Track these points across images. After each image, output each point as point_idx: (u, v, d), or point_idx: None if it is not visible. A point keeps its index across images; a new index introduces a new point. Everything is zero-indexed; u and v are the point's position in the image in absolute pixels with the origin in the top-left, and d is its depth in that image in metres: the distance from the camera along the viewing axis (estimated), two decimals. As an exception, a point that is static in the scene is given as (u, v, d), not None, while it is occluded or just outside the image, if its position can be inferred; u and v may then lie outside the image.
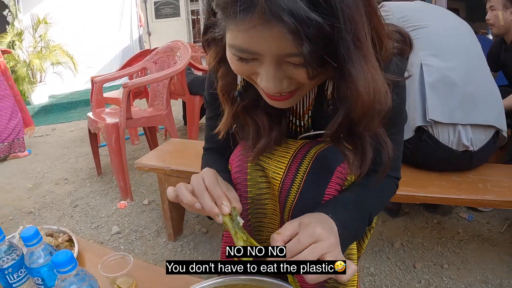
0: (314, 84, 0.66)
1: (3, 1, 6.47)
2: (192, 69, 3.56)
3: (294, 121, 0.84)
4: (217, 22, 0.62)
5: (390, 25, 0.73)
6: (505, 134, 1.56)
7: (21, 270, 0.76)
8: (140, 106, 3.12)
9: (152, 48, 7.83)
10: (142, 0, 8.95)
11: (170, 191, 0.73)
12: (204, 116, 3.50)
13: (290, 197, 0.79)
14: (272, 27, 0.52)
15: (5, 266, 0.74)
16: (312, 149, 0.80)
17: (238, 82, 0.73)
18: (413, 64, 1.51)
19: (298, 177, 0.79)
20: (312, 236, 0.62)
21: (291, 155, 0.81)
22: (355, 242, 0.83)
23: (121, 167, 2.24)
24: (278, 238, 0.63)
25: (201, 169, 0.85)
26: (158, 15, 9.78)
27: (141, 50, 3.91)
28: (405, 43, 0.78)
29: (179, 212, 1.85)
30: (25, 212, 2.33)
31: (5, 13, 6.55)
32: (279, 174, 0.80)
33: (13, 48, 6.30)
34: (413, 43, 0.79)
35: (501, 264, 1.58)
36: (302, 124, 0.83)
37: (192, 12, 11.14)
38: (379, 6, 1.42)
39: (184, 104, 3.69)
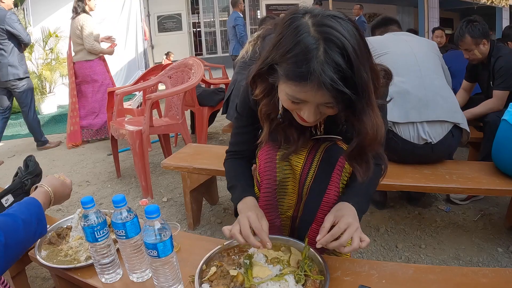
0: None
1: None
2: (200, 83, 3.91)
3: (312, 130, 1.22)
4: (273, 73, 0.93)
5: (378, 65, 1.01)
6: (464, 127, 1.90)
7: (105, 228, 1.07)
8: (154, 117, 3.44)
9: (155, 60, 8.12)
10: (146, 15, 9.28)
11: (227, 232, 1.05)
12: (211, 125, 3.81)
13: (308, 179, 1.18)
14: (320, 91, 0.84)
15: (95, 224, 1.04)
16: (321, 146, 1.18)
17: (280, 108, 1.06)
18: None
19: (313, 165, 1.17)
20: (346, 224, 0.99)
21: (307, 150, 1.19)
22: None
23: (143, 169, 2.53)
24: (326, 226, 1.00)
25: (227, 176, 1.31)
26: (161, 28, 10.14)
27: (154, 65, 4.23)
28: (387, 76, 1.14)
29: (198, 205, 2.17)
30: (54, 209, 2.56)
31: (15, 25, 6.80)
32: (299, 163, 1.18)
33: (23, 60, 6.59)
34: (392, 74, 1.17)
35: (472, 245, 1.86)
36: (318, 133, 1.21)
37: (193, 24, 11.47)
38: None
39: (192, 114, 4.00)
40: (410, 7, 13.13)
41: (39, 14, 7.41)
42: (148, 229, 0.94)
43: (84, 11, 4.37)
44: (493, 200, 2.30)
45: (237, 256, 1.07)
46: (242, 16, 6.27)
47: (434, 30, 5.50)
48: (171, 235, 0.96)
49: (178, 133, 3.94)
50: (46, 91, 6.66)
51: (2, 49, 3.93)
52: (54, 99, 6.77)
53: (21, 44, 4.12)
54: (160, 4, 10.10)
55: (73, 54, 4.50)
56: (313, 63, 0.81)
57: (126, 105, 3.95)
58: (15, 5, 6.81)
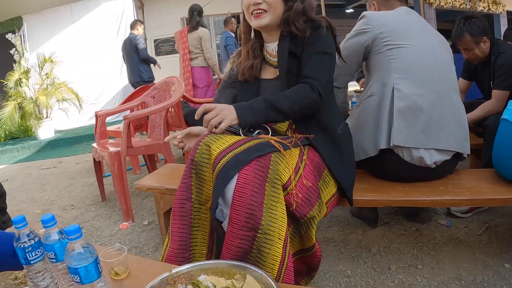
0: (276, 13, 1.41)
1: (10, 40, 6.81)
2: (188, 103, 3.81)
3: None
4: None
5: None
6: (465, 156, 1.69)
7: (38, 249, 0.95)
8: (141, 138, 3.35)
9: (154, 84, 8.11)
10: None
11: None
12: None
13: (218, 165, 1.12)
14: None
15: (26, 246, 0.93)
16: (246, 144, 1.16)
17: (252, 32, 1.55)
18: (386, 86, 1.60)
19: (228, 154, 1.13)
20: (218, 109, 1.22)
21: (231, 142, 1.18)
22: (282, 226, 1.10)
23: (123, 191, 2.42)
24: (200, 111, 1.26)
25: None
26: (158, 52, 10.20)
27: (140, 87, 4.20)
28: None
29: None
30: None
31: (11, 51, 6.89)
32: (217, 150, 1.16)
33: (20, 86, 6.65)
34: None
35: (475, 262, 1.67)
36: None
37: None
38: (361, 15, 1.73)
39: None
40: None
41: (35, 40, 7.59)
42: (69, 252, 0.82)
43: (202, 25, 4.94)
44: (499, 211, 2.11)
45: (183, 285, 0.92)
46: (233, 35, 6.18)
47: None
48: (96, 259, 0.83)
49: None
50: (42, 116, 6.71)
51: (134, 59, 5.92)
52: (51, 124, 6.82)
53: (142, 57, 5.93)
54: (157, 27, 10.19)
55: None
56: None
57: (119, 128, 3.88)
58: (13, 32, 6.91)
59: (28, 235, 0.95)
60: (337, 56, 1.52)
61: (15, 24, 7.77)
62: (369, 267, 1.74)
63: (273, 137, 1.24)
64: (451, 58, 1.76)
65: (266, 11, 1.40)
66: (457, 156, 1.67)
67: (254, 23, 1.44)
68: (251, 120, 1.27)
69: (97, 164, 2.91)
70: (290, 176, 1.17)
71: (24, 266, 0.97)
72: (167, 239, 1.22)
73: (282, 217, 1.09)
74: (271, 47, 1.52)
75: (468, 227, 2.01)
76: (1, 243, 1.00)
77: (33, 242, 0.95)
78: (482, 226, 1.99)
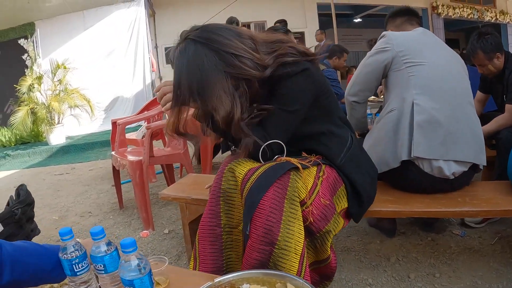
0: None
1: (22, 46, 6.91)
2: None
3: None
4: None
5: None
6: (481, 167, 1.76)
7: (85, 261, 1.00)
8: (157, 147, 3.40)
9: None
10: (153, 46, 9.46)
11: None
12: (216, 155, 3.75)
13: (245, 189, 1.18)
14: None
15: (73, 257, 0.98)
16: (267, 164, 1.22)
17: None
18: (405, 101, 1.67)
19: (252, 177, 1.18)
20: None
21: (254, 165, 1.24)
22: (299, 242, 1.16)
23: (144, 199, 2.48)
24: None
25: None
26: (169, 60, 10.31)
27: (158, 95, 4.27)
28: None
29: (198, 237, 2.08)
30: (54, 240, 2.55)
31: (24, 57, 6.99)
32: (242, 173, 1.22)
33: (32, 91, 6.74)
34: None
35: (490, 271, 1.73)
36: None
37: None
38: (381, 35, 1.74)
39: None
40: (416, 30, 13.14)
41: (48, 46, 7.68)
42: (124, 264, 0.87)
43: None
44: (511, 221, 2.16)
45: (227, 294, 0.98)
46: None
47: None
48: (150, 271, 0.89)
49: (184, 164, 3.89)
50: (54, 122, 6.80)
51: None
52: (62, 130, 6.90)
53: None
54: (168, 35, 10.28)
55: None
56: None
57: (133, 136, 3.96)
58: (25, 37, 7.02)
59: (74, 247, 1.00)
60: (358, 71, 1.58)
61: (28, 29, 7.88)
62: (389, 275, 1.79)
63: (291, 158, 1.28)
64: (465, 74, 1.84)
65: None
66: (474, 168, 1.73)
67: None
68: None
69: (116, 172, 2.97)
70: (307, 193, 1.22)
71: (68, 277, 1.01)
72: (192, 263, 1.28)
73: (299, 233, 1.16)
74: None
75: (481, 237, 2.06)
76: (40, 258, 1.02)
77: (79, 254, 1.00)
78: (495, 236, 2.04)
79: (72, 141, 6.80)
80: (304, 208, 1.20)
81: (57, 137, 6.73)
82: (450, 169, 1.64)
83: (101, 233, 0.98)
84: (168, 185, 3.16)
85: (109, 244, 1.00)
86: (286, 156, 1.31)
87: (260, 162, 1.28)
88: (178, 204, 2.79)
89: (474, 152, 1.69)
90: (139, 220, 2.74)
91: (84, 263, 1.01)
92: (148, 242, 2.39)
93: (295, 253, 1.13)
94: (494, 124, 2.27)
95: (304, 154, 1.39)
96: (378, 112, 3.15)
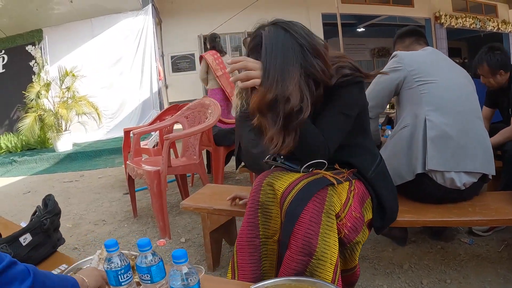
0: None
1: (30, 52, 6.97)
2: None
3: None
4: None
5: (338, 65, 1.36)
6: (490, 176, 1.85)
7: (129, 272, 1.08)
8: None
9: (169, 100, 8.24)
10: (160, 55, 9.55)
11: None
12: (227, 164, 3.82)
13: (285, 202, 1.27)
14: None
15: (118, 268, 1.06)
16: (306, 179, 1.30)
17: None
18: (418, 117, 1.78)
19: (293, 191, 1.27)
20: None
21: (293, 179, 1.32)
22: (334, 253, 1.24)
23: (161, 208, 2.54)
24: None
25: None
26: (175, 68, 10.42)
27: (170, 106, 4.34)
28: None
29: (218, 246, 2.16)
30: (70, 248, 2.58)
31: (31, 63, 7.05)
32: (282, 187, 1.30)
33: (40, 98, 6.80)
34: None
35: (498, 277, 1.81)
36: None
37: (207, 65, 11.75)
38: (392, 55, 1.85)
39: (208, 154, 4.03)
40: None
41: (56, 53, 7.73)
42: (175, 273, 0.94)
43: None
44: (517, 229, 2.24)
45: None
46: None
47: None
48: (199, 280, 0.97)
49: (195, 173, 3.96)
50: (62, 128, 6.85)
51: None
52: (70, 137, 6.94)
53: None
54: (174, 44, 10.41)
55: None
56: None
57: (142, 144, 4.02)
58: (33, 44, 7.10)
59: (120, 257, 1.07)
60: (370, 88, 1.69)
61: (36, 36, 7.93)
62: (403, 282, 1.87)
63: (327, 172, 1.36)
64: (473, 89, 1.94)
65: None
66: (483, 179, 1.83)
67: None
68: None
69: (132, 181, 3.03)
70: (341, 207, 1.31)
71: (112, 287, 1.08)
72: (230, 273, 1.38)
73: (334, 244, 1.24)
74: None
75: (489, 244, 2.14)
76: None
77: (124, 264, 1.07)
78: (501, 244, 2.12)
79: (79, 148, 6.84)
80: (338, 220, 1.28)
81: (64, 144, 6.76)
82: (461, 180, 1.73)
83: (148, 245, 1.06)
84: (181, 194, 3.24)
85: (154, 255, 1.07)
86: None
87: (296, 165, 1.39)
88: (193, 213, 2.88)
89: (483, 163, 1.79)
90: (154, 229, 2.79)
91: (129, 274, 1.08)
92: (166, 250, 2.43)
93: (331, 263, 1.21)
94: (500, 136, 2.37)
95: (337, 166, 1.46)
96: (383, 123, 3.25)
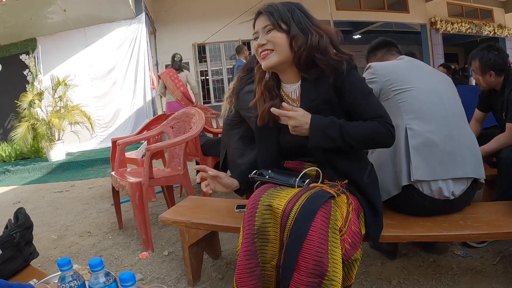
0: (279, 48, 1.38)
1: (24, 61, 6.96)
2: (204, 132, 3.88)
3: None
4: None
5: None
6: (482, 181, 1.76)
7: None
8: (157, 166, 3.39)
9: (164, 109, 8.24)
10: (154, 64, 9.53)
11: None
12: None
13: (288, 221, 1.17)
14: (261, 17, 1.40)
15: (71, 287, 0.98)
16: (304, 194, 1.20)
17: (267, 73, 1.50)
18: (398, 127, 1.68)
19: (294, 208, 1.17)
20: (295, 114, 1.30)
21: (291, 195, 1.22)
22: (340, 271, 1.12)
23: (143, 221, 2.46)
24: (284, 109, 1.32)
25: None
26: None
27: (158, 115, 4.30)
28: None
29: (198, 260, 2.06)
30: (53, 260, 2.52)
31: (25, 72, 7.03)
32: (281, 206, 1.20)
33: (32, 107, 6.76)
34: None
35: (492, 293, 1.71)
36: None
37: (201, 73, 11.75)
38: (366, 67, 1.80)
39: (197, 164, 3.94)
40: (414, 45, 13.34)
41: (50, 62, 7.73)
42: None
43: (185, 68, 6.58)
44: (513, 240, 2.14)
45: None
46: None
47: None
48: None
49: (184, 184, 3.88)
50: (54, 138, 6.79)
51: None
52: (63, 147, 6.89)
53: None
54: (168, 53, 10.34)
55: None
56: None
57: (133, 155, 3.96)
58: (26, 53, 7.08)
59: (72, 277, 1.00)
60: None
61: (29, 45, 7.93)
62: (391, 299, 1.77)
63: (323, 185, 1.28)
64: (455, 93, 1.88)
65: (273, 50, 1.38)
66: (473, 186, 1.74)
67: (262, 64, 1.43)
68: (318, 144, 1.32)
69: (116, 192, 2.96)
70: (343, 221, 1.21)
71: None
72: None
73: (340, 262, 1.14)
74: (289, 89, 1.49)
75: (483, 257, 2.04)
76: None
77: (77, 284, 0.99)
78: (497, 255, 2.02)
79: (72, 158, 6.79)
80: (340, 235, 1.19)
81: (57, 154, 6.71)
82: (449, 189, 1.65)
83: (100, 264, 0.98)
84: (168, 205, 3.15)
85: (107, 275, 0.99)
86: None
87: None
88: (178, 226, 2.79)
89: (472, 167, 1.71)
90: (138, 241, 2.71)
91: (83, 294, 1.00)
92: (148, 264, 2.36)
93: (339, 283, 1.11)
94: (495, 143, 2.28)
95: (326, 181, 1.39)
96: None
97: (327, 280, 1.08)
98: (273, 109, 1.33)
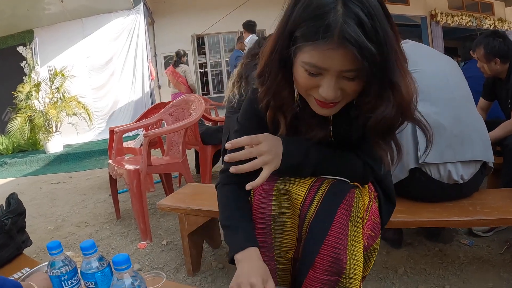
0: (352, 97, 0.91)
1: (21, 53, 6.89)
2: (204, 121, 3.82)
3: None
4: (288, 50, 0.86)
5: None
6: (491, 165, 1.72)
7: (75, 278, 0.95)
8: (156, 155, 3.34)
9: (162, 100, 8.23)
10: (153, 55, 9.46)
11: None
12: (216, 165, 3.69)
13: (308, 215, 1.01)
14: (341, 50, 0.77)
15: (62, 273, 0.93)
16: (326, 181, 1.04)
17: (296, 95, 0.98)
18: None
19: (315, 199, 1.01)
20: (259, 152, 0.96)
21: (311, 182, 1.04)
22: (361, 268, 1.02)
23: (141, 210, 2.40)
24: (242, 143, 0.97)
25: (222, 209, 1.12)
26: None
27: (156, 103, 4.24)
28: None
29: (198, 249, 2.01)
30: (44, 249, 2.47)
31: (22, 64, 6.97)
32: (300, 195, 1.02)
33: (30, 99, 6.72)
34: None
35: (501, 281, 1.68)
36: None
37: (200, 65, 11.68)
38: None
39: (196, 153, 3.88)
40: (415, 38, 13.20)
41: (47, 54, 7.68)
42: (117, 283, 0.80)
43: (183, 63, 6.83)
44: (519, 229, 2.10)
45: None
46: (243, 54, 6.23)
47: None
48: None
49: (183, 172, 3.84)
50: (52, 130, 6.74)
51: None
52: (60, 139, 6.85)
53: None
54: (167, 44, 10.32)
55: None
56: (332, 15, 0.76)
57: (131, 144, 3.91)
58: (24, 45, 7.02)
59: (63, 262, 0.95)
60: None
61: (26, 37, 7.88)
62: (398, 288, 1.73)
63: None
64: (461, 75, 1.84)
65: (341, 100, 0.93)
66: (482, 171, 1.70)
67: (321, 111, 0.96)
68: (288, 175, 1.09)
69: (113, 181, 2.91)
70: (364, 212, 1.08)
71: None
72: None
73: (361, 257, 1.03)
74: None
75: (490, 246, 2.00)
76: None
77: (68, 269, 0.94)
78: (503, 245, 1.98)
79: (69, 150, 6.74)
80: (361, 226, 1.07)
81: (54, 145, 6.67)
82: (459, 173, 1.61)
83: (92, 247, 0.92)
84: (166, 195, 3.09)
85: (101, 259, 0.93)
86: None
87: None
88: (177, 215, 2.73)
89: (481, 150, 1.67)
90: (136, 231, 2.66)
91: (74, 280, 0.95)
92: (146, 254, 2.31)
93: (358, 280, 1.01)
94: (502, 130, 2.23)
95: None
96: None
97: (345, 278, 0.98)
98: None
